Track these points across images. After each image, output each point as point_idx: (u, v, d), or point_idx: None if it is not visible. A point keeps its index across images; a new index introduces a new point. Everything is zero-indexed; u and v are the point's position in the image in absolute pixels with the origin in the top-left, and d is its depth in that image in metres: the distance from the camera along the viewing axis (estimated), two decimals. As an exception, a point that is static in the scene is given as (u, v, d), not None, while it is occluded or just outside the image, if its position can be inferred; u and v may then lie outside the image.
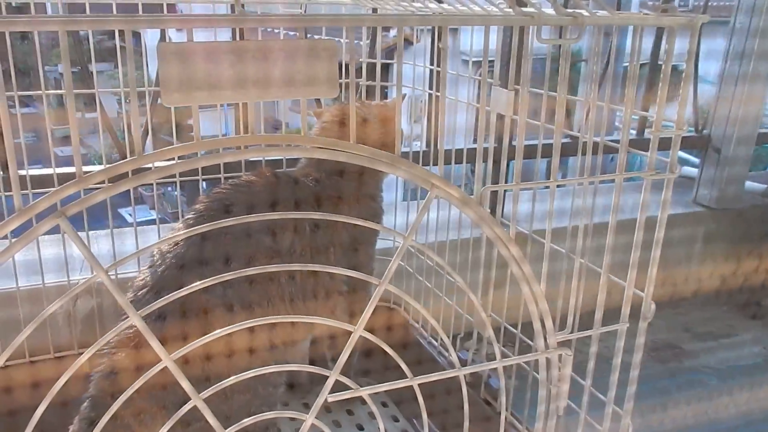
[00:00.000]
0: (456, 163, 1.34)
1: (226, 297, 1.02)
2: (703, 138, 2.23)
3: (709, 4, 2.21)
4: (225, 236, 1.05)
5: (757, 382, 1.87)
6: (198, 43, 0.58)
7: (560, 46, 0.76)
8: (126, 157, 1.54)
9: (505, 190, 1.35)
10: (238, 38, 1.21)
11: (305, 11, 1.32)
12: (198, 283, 0.66)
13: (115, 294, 0.60)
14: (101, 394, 1.01)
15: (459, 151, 1.34)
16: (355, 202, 1.24)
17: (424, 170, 0.69)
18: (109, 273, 0.60)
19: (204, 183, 1.43)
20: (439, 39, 1.18)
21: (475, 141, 1.41)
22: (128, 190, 0.69)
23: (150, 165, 0.63)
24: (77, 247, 0.58)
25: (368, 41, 1.60)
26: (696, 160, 2.32)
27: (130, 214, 1.34)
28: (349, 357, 0.71)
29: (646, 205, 0.84)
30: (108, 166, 0.60)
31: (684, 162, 2.47)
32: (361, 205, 1.25)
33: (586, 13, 0.71)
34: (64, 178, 1.19)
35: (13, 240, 0.58)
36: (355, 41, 1.54)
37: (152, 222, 1.44)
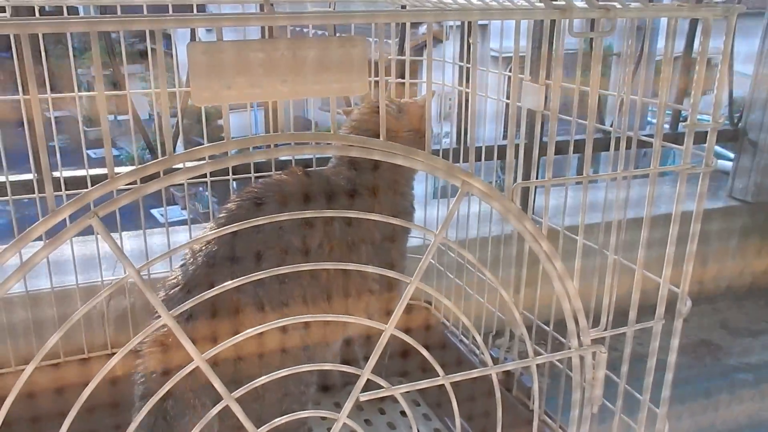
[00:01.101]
0: (486, 159, 1.33)
1: (257, 296, 1.02)
2: (739, 131, 2.19)
3: (744, -5, 2.17)
4: (256, 234, 1.05)
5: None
6: (227, 42, 0.58)
7: (592, 39, 0.75)
8: (157, 158, 1.56)
9: (536, 186, 1.34)
10: (267, 37, 1.21)
11: (334, 9, 1.32)
12: (229, 282, 0.67)
13: (147, 293, 0.60)
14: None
15: (489, 148, 1.33)
16: (386, 199, 1.23)
17: (455, 166, 0.68)
18: (140, 272, 0.61)
19: (234, 183, 1.43)
20: (469, 35, 1.18)
21: (505, 137, 1.40)
22: (160, 191, 0.69)
23: (180, 165, 0.63)
24: (109, 246, 0.58)
25: (397, 39, 1.60)
26: (730, 155, 2.28)
27: (162, 215, 1.35)
28: (380, 356, 0.70)
29: (681, 198, 0.82)
30: (139, 166, 0.61)
31: (718, 156, 2.43)
32: (392, 203, 1.25)
33: (618, 6, 0.70)
34: (97, 180, 1.21)
35: (47, 240, 0.59)
36: (384, 39, 1.53)
37: (184, 222, 1.45)
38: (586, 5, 0.68)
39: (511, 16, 0.67)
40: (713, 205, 2.17)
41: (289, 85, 0.61)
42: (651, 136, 0.86)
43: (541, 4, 0.67)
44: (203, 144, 1.27)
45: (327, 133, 0.63)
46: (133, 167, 0.60)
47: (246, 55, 0.58)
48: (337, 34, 1.33)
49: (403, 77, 1.41)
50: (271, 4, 1.17)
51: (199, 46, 0.57)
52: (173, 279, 1.06)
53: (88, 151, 1.30)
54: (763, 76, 2.09)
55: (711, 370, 1.87)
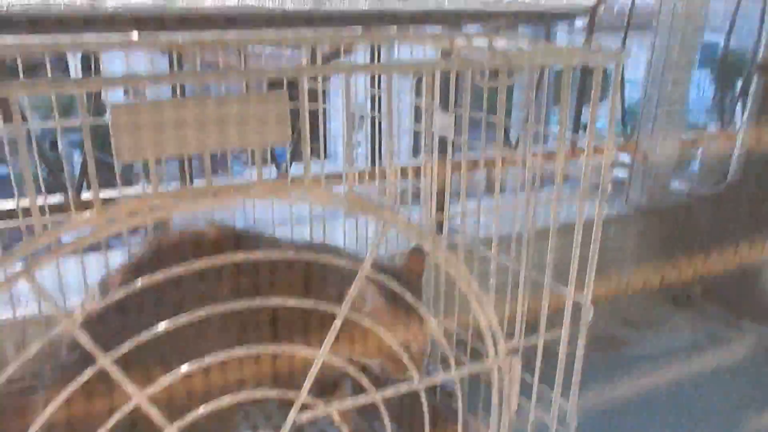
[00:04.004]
0: (402, 177, 1.37)
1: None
2: (632, 143, 2.30)
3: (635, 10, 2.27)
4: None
5: (688, 363, 1.99)
6: (146, 103, 0.61)
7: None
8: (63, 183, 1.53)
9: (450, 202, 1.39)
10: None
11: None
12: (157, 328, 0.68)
13: (87, 346, 0.61)
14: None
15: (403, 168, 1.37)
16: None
17: (379, 207, 0.71)
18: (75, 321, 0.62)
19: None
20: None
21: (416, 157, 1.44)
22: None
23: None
24: (46, 302, 0.59)
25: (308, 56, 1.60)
26: (626, 161, 2.40)
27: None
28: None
29: (581, 221, 0.89)
30: (71, 220, 0.61)
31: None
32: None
33: (517, 53, 0.74)
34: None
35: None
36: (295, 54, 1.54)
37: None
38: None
39: (420, 67, 0.71)
40: (611, 212, 2.30)
41: (213, 138, 0.64)
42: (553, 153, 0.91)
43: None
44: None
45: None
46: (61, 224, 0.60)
47: (165, 114, 0.60)
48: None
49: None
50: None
51: (122, 109, 0.59)
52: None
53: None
54: (652, 87, 2.22)
55: (614, 361, 2.00)
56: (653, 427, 1.74)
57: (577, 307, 0.97)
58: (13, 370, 0.61)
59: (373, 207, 0.71)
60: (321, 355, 0.74)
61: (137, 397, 0.67)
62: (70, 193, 1.46)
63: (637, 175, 2.29)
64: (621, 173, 2.41)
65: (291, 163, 1.78)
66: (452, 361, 0.87)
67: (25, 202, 1.26)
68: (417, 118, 1.31)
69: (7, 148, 1.20)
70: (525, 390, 0.99)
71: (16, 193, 1.28)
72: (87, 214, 0.59)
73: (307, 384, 0.74)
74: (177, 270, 0.67)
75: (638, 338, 2.15)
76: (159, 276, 0.66)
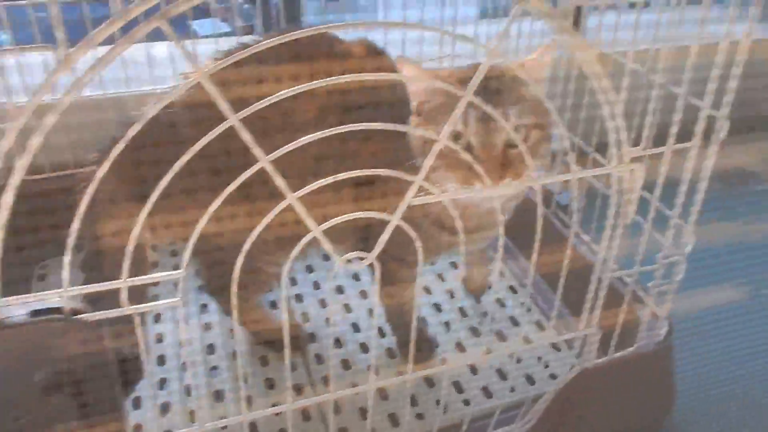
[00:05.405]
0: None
1: None
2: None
3: None
4: None
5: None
6: None
7: None
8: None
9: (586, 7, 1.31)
10: None
11: None
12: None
13: (217, 98, 0.62)
14: None
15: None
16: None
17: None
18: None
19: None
20: None
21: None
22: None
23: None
24: (179, 49, 0.59)
25: None
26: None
27: (200, 26, 1.34)
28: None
29: (730, 33, 0.81)
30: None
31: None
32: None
33: None
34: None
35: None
36: None
37: (225, 35, 1.44)
38: None
39: None
40: (756, 36, 2.07)
41: None
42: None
43: None
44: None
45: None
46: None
47: None
48: None
49: None
50: None
51: None
52: None
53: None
54: None
55: (741, 195, 1.89)
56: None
57: (710, 123, 0.91)
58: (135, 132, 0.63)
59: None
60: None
61: (262, 161, 0.68)
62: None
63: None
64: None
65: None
66: (572, 161, 0.84)
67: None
68: None
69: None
70: (641, 213, 0.95)
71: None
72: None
73: (424, 169, 0.73)
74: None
75: (768, 172, 2.02)
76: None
